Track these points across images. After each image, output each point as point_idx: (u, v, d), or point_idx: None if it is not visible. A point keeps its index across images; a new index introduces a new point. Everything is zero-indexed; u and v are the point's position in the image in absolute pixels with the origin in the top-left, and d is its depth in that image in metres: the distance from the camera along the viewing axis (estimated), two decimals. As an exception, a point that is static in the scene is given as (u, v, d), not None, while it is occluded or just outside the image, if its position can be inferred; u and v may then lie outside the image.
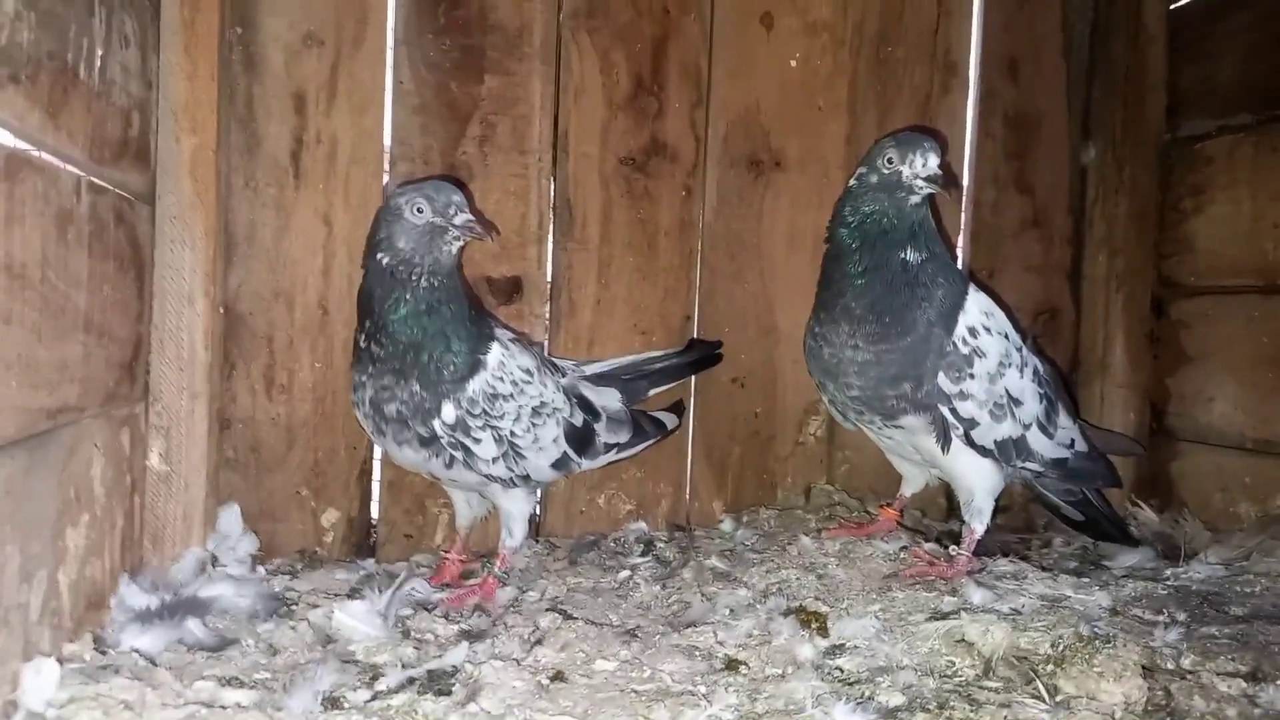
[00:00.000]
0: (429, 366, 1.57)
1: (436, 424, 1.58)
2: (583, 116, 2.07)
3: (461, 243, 1.57)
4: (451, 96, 1.98)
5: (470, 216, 1.56)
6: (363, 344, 1.62)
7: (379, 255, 1.58)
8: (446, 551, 1.84)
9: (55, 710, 1.13)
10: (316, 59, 1.90)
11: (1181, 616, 1.54)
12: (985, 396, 1.63)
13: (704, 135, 2.14)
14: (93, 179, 1.35)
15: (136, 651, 1.33)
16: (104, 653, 1.32)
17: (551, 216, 2.06)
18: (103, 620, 1.42)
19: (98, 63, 1.36)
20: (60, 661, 1.21)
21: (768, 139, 2.17)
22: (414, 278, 1.56)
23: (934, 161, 1.60)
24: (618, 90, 2.09)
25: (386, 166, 1.96)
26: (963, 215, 2.29)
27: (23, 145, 1.16)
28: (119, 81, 1.45)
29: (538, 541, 2.04)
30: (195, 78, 1.66)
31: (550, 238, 2.07)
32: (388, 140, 1.96)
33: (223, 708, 1.17)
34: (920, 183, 1.60)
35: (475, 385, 1.60)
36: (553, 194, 2.06)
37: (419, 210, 1.55)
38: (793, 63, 2.19)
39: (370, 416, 1.63)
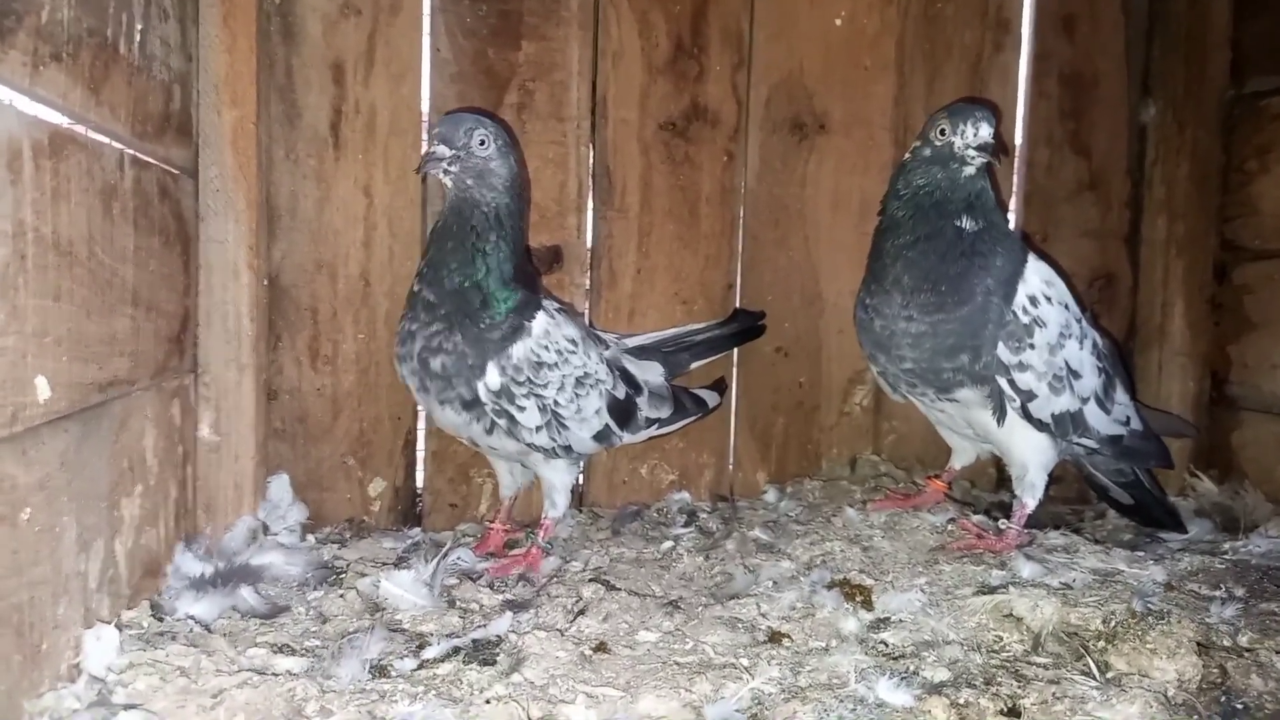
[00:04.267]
0: (469, 319, 1.56)
1: (480, 387, 1.58)
2: (621, 81, 2.03)
3: (441, 176, 1.54)
4: (489, 64, 1.96)
5: (432, 149, 1.53)
6: (415, 287, 1.63)
7: None
8: (491, 521, 1.86)
9: (115, 675, 1.17)
10: (354, 28, 1.89)
11: (1240, 592, 1.50)
12: (1044, 368, 1.59)
13: (746, 98, 2.10)
14: (136, 154, 1.36)
15: (192, 618, 1.37)
16: (161, 619, 1.36)
17: (591, 184, 2.04)
18: (159, 588, 1.46)
19: (137, 37, 1.36)
20: (119, 628, 1.25)
21: (811, 101, 2.12)
22: (444, 216, 1.58)
23: (986, 130, 1.55)
24: (657, 53, 2.05)
25: (424, 136, 1.95)
26: (1015, 178, 2.23)
27: (66, 122, 1.17)
28: (159, 56, 1.45)
29: (581, 511, 2.04)
30: (235, 50, 1.66)
31: (590, 206, 2.05)
32: (425, 109, 1.95)
33: (274, 675, 1.19)
34: (972, 152, 1.55)
35: (520, 351, 1.59)
36: (592, 161, 2.04)
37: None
38: (838, 22, 2.13)
39: (416, 372, 1.61)
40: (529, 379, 1.59)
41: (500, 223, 1.57)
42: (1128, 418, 1.74)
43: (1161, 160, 2.24)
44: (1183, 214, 2.23)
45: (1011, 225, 2.16)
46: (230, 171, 1.67)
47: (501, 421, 1.61)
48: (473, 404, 1.60)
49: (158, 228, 1.45)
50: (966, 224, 1.59)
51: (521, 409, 1.61)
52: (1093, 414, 1.66)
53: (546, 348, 1.62)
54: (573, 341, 1.67)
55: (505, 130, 1.62)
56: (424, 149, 1.92)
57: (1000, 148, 1.59)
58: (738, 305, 2.12)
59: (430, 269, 1.60)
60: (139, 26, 1.36)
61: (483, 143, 1.54)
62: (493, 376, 1.58)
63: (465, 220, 1.57)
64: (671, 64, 2.06)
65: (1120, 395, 1.73)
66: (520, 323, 1.60)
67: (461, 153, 1.53)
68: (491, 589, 1.56)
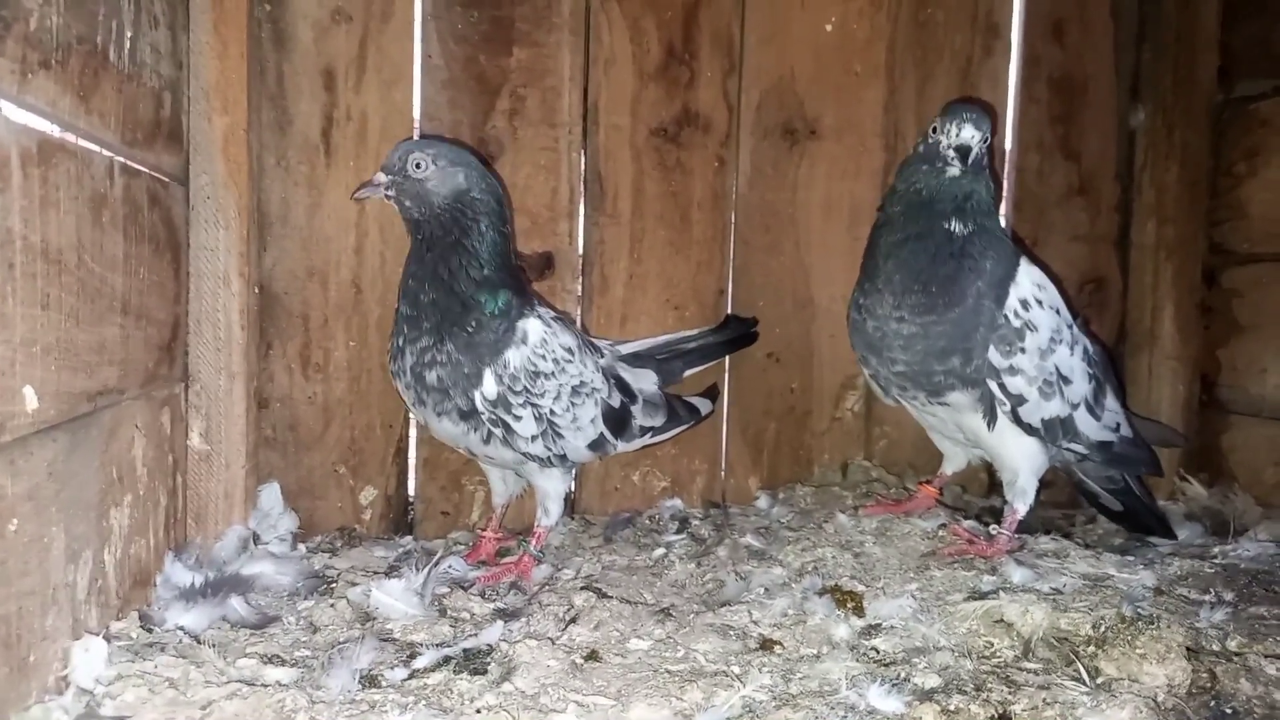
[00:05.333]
0: (457, 326, 1.57)
1: (478, 397, 1.58)
2: (613, 87, 2.04)
3: (393, 205, 1.62)
4: (480, 70, 1.96)
5: (372, 177, 1.61)
6: (398, 304, 1.65)
7: None
8: (483, 529, 1.85)
9: (103, 687, 1.16)
10: (345, 34, 1.89)
11: (1229, 596, 1.50)
12: (1035, 372, 1.59)
13: (737, 104, 2.10)
14: (126, 161, 1.36)
15: (181, 629, 1.36)
16: (150, 630, 1.35)
17: (582, 190, 2.04)
18: (149, 598, 1.45)
19: (127, 44, 1.35)
20: (108, 639, 1.25)
21: (802, 107, 2.13)
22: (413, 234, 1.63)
23: (967, 132, 1.54)
24: (648, 60, 2.05)
25: (417, 143, 1.95)
26: (1005, 183, 2.23)
27: (55, 130, 1.16)
28: (149, 63, 1.45)
29: (573, 519, 2.04)
30: (225, 56, 1.66)
31: (581, 212, 2.05)
32: (417, 115, 1.94)
33: (264, 685, 1.19)
34: (951, 153, 1.55)
35: (516, 360, 1.59)
36: (583, 167, 2.04)
37: None
38: (828, 27, 2.13)
39: (411, 386, 1.63)
40: (526, 388, 1.60)
41: (454, 233, 1.58)
42: (1118, 424, 1.75)
43: (1151, 164, 2.25)
44: (1172, 218, 2.24)
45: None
46: (221, 179, 1.67)
47: (498, 431, 1.61)
48: (470, 414, 1.60)
49: (148, 235, 1.44)
50: (955, 227, 1.58)
51: (518, 418, 1.61)
52: (1083, 420, 1.67)
53: (543, 356, 1.62)
54: (569, 350, 1.67)
55: (459, 148, 1.64)
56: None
57: (988, 153, 1.58)
58: (729, 310, 2.12)
59: (406, 283, 1.63)
60: (129, 34, 1.36)
61: (419, 165, 1.58)
62: (490, 385, 1.58)
63: (419, 237, 1.60)
64: (663, 70, 2.06)
65: (1110, 402, 1.74)
66: (511, 326, 1.60)
67: (398, 178, 1.59)
68: (483, 597, 1.56)
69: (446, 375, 1.58)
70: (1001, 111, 2.21)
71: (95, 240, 1.24)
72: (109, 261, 1.29)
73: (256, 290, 1.81)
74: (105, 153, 1.29)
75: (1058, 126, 2.23)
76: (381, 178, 1.60)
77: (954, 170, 1.57)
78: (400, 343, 1.63)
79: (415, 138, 1.94)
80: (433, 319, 1.58)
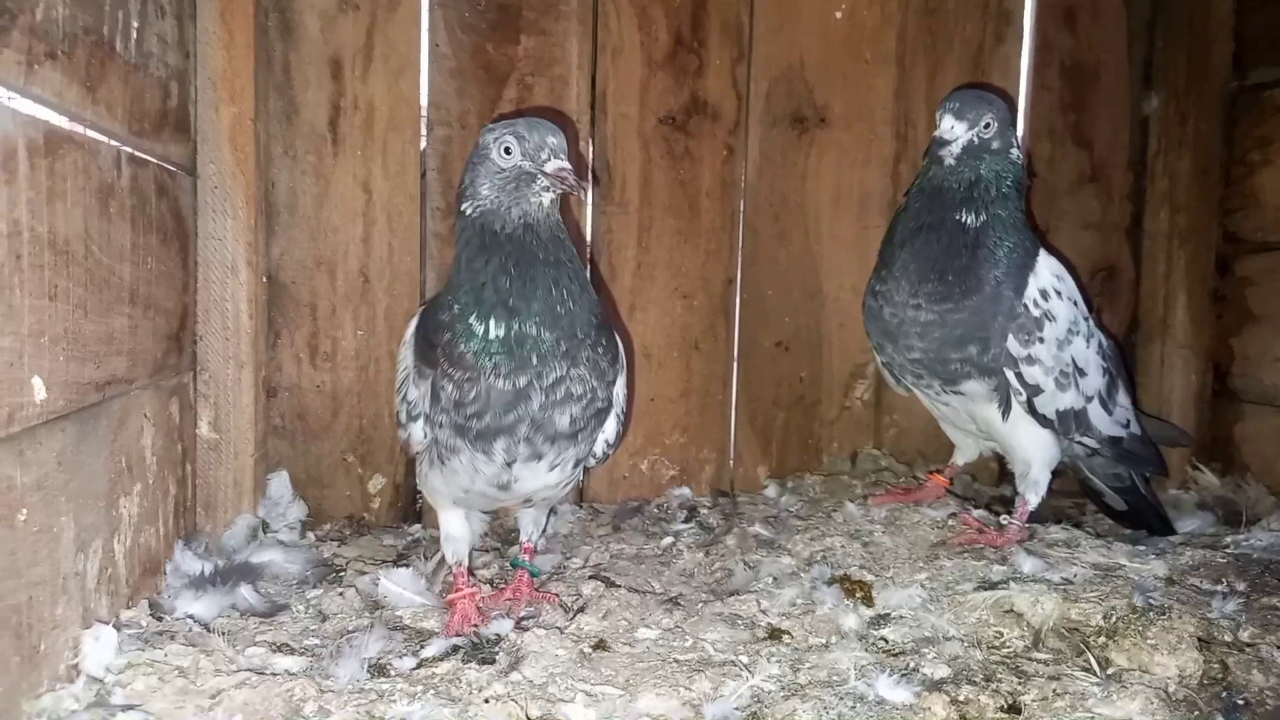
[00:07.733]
0: (578, 356, 1.33)
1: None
2: (621, 76, 2.03)
3: (552, 194, 1.31)
4: (488, 58, 1.96)
5: (564, 164, 1.29)
6: (458, 345, 1.31)
7: (463, 205, 1.33)
8: (451, 594, 1.45)
9: (114, 676, 1.17)
10: (352, 23, 1.88)
11: (1241, 586, 1.49)
12: (1052, 363, 1.59)
13: (746, 92, 2.09)
14: (133, 152, 1.36)
15: (191, 617, 1.37)
16: (160, 619, 1.35)
17: (590, 179, 2.04)
18: (158, 586, 1.46)
19: (134, 34, 1.35)
20: (118, 628, 1.25)
21: (812, 95, 2.11)
22: (505, 234, 1.30)
23: (947, 122, 1.54)
24: (656, 48, 2.04)
25: (424, 131, 1.94)
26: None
27: (63, 121, 1.16)
28: (156, 53, 1.45)
29: (581, 507, 2.04)
30: (232, 46, 1.66)
31: (589, 201, 2.04)
32: (424, 104, 1.94)
33: (273, 674, 1.19)
34: (935, 145, 1.55)
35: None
36: (591, 156, 2.03)
37: (506, 151, 1.30)
38: (838, 15, 2.12)
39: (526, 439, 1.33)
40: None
41: (559, 234, 1.37)
42: (1128, 420, 1.74)
43: (1164, 152, 2.23)
44: (1185, 206, 2.22)
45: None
46: (228, 168, 1.67)
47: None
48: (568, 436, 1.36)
49: (155, 225, 1.44)
50: (967, 219, 1.57)
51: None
52: (1095, 413, 1.66)
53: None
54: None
55: None
56: (422, 146, 1.93)
57: (998, 139, 1.57)
58: (738, 300, 2.11)
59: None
60: (135, 24, 1.36)
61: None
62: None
63: (526, 239, 1.31)
64: (671, 58, 2.05)
65: (1122, 397, 1.73)
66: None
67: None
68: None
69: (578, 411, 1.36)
70: (1013, 99, 2.19)
71: (103, 231, 1.24)
72: (117, 252, 1.29)
73: (264, 279, 1.81)
74: (112, 143, 1.29)
75: (1069, 114, 2.22)
76: (565, 164, 1.31)
77: (949, 160, 1.56)
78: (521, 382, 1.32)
79: (423, 128, 1.93)
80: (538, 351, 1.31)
